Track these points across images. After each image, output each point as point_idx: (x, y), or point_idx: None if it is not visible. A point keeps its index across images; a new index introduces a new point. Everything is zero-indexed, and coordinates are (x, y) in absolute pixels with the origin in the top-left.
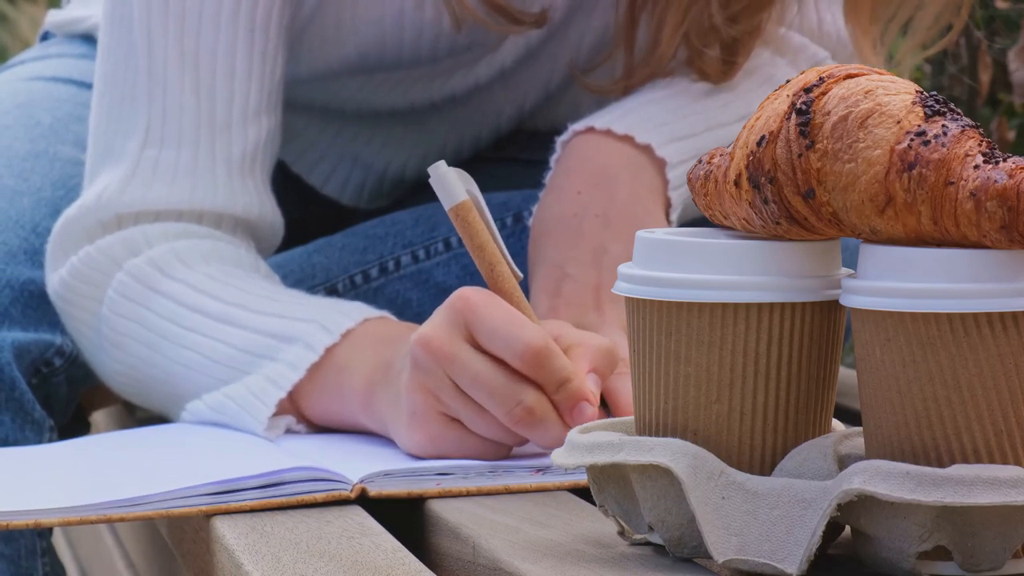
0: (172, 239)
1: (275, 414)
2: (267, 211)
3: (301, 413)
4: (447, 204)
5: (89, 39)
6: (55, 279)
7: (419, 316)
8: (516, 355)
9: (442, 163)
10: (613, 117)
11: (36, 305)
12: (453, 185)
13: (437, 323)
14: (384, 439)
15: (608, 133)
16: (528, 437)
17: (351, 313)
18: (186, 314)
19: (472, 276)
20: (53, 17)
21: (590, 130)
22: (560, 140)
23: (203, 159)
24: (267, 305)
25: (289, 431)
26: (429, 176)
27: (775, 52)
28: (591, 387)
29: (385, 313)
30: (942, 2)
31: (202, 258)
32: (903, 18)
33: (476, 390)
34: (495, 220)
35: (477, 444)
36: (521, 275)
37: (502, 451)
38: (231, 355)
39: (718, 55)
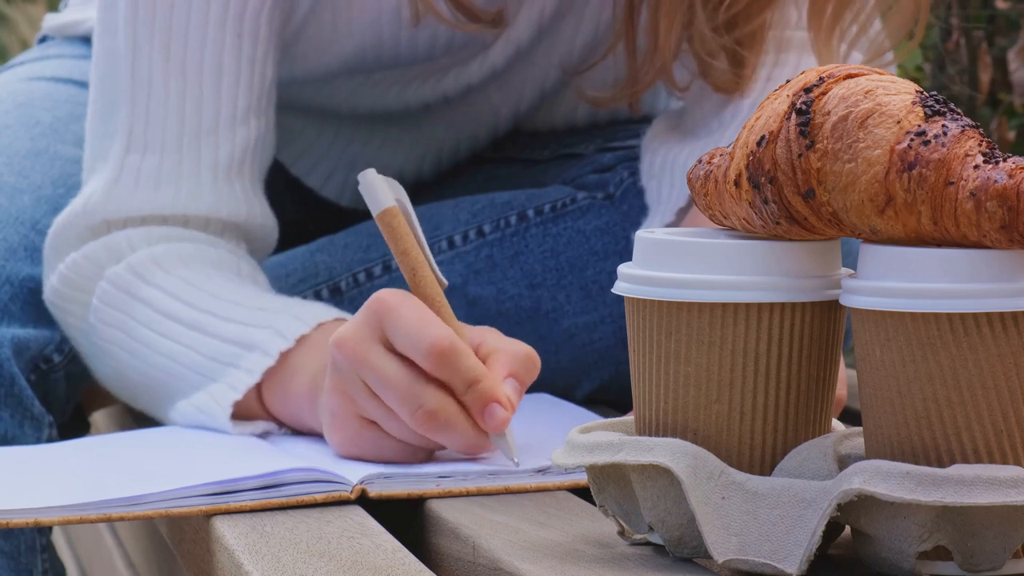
0: (154, 243)
1: (249, 419)
2: (256, 213)
3: (271, 415)
4: (374, 210)
5: (87, 41)
6: (47, 287)
7: None
8: (422, 354)
9: (371, 171)
10: None
11: (35, 301)
12: (381, 192)
13: (354, 324)
14: None
15: None
16: (435, 440)
17: (306, 318)
18: (162, 321)
19: (476, 274)
20: (50, 21)
21: None
22: None
23: (187, 163)
24: (233, 311)
25: (270, 434)
26: (359, 183)
27: (800, 53)
28: (507, 391)
29: (342, 315)
30: (903, 17)
31: (180, 261)
32: (864, 28)
33: (384, 391)
34: (500, 219)
35: (394, 446)
36: (447, 282)
37: (420, 454)
38: (201, 363)
39: (726, 66)
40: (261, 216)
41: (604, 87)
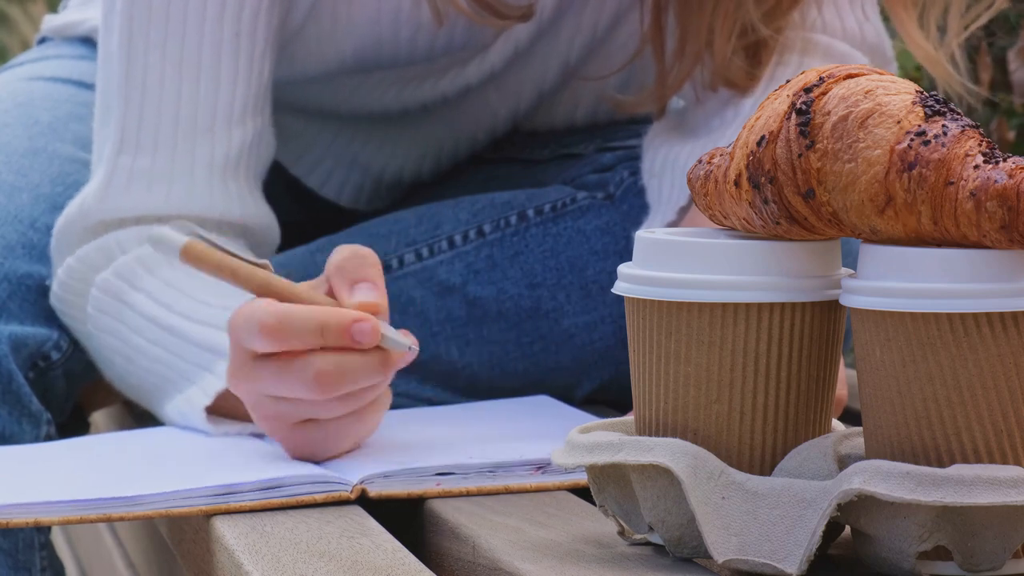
0: (143, 243)
1: (236, 418)
2: (251, 212)
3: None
4: (177, 258)
5: (87, 41)
6: (52, 290)
7: (422, 314)
8: (259, 340)
9: (157, 229)
10: None
11: (34, 299)
12: (169, 239)
13: (230, 358)
14: (385, 441)
15: None
16: (351, 388)
17: None
18: (147, 326)
19: (476, 274)
20: (50, 22)
21: None
22: None
23: (180, 163)
24: (203, 313)
25: (254, 435)
26: (151, 249)
27: (802, 54)
28: (361, 297)
29: None
30: None
31: (165, 261)
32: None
33: (282, 389)
34: (500, 219)
35: (333, 430)
36: (266, 261)
37: (373, 416)
38: (181, 367)
39: (743, 63)
40: (257, 215)
41: (623, 90)
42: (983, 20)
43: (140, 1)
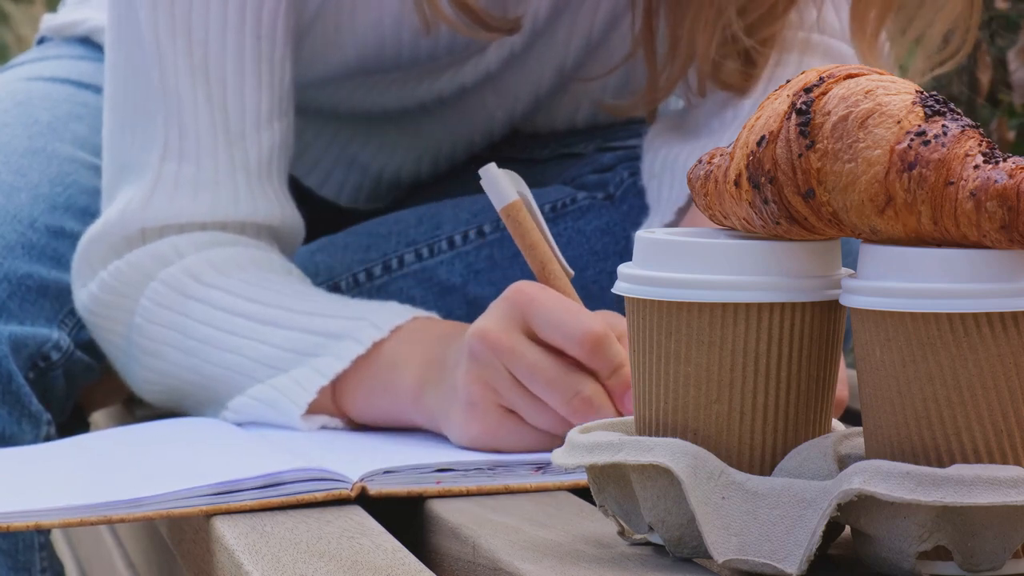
0: (203, 248)
1: (315, 410)
2: (287, 214)
3: (343, 411)
4: (498, 204)
5: (86, 42)
6: (84, 295)
7: None
8: (575, 341)
9: (492, 165)
10: None
11: (33, 299)
12: (503, 186)
13: (494, 316)
14: (386, 438)
15: None
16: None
17: (400, 311)
18: (226, 318)
19: (476, 274)
20: (49, 22)
21: None
22: None
23: (222, 170)
24: (308, 305)
25: (324, 428)
26: (480, 178)
27: (801, 54)
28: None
29: (433, 313)
30: (951, 19)
31: (236, 265)
32: (912, 36)
33: (534, 381)
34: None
35: (533, 436)
36: (572, 272)
37: (557, 442)
38: (275, 355)
39: (738, 66)
40: (292, 217)
41: (619, 94)
42: (949, 66)
43: (163, 10)
